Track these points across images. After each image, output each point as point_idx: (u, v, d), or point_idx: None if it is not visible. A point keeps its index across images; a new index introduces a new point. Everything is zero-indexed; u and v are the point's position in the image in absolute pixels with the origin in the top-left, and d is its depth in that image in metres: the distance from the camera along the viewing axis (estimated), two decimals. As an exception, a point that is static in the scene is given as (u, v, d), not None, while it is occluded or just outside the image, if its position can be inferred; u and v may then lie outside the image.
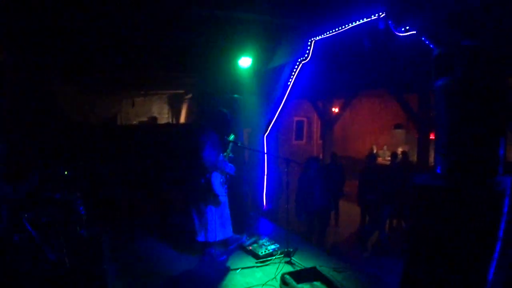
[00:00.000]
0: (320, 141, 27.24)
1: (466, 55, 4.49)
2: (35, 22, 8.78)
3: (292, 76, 10.35)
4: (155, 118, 22.83)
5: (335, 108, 24.45)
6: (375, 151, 22.39)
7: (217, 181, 8.33)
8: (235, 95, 11.25)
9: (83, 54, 11.64)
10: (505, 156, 4.40)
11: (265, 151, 11.67)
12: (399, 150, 17.96)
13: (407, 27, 6.60)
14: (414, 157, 17.45)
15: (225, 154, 8.54)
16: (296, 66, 10.10)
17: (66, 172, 8.92)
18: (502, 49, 5.12)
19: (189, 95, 22.10)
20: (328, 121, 23.22)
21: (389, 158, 17.57)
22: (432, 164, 15.76)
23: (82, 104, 18.80)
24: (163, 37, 10.58)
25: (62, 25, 9.10)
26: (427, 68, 5.62)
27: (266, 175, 11.92)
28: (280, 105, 11.11)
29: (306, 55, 9.63)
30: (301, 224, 11.42)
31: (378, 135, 25.54)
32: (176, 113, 24.05)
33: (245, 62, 11.22)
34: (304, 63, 9.87)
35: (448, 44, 5.15)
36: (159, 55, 12.46)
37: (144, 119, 22.61)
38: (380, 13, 7.14)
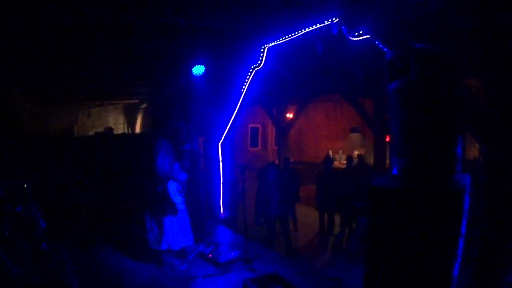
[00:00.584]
0: (275, 147, 27.33)
1: (419, 57, 4.52)
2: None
3: (245, 83, 10.35)
4: (111, 129, 22.70)
5: (289, 114, 24.53)
6: (331, 155, 22.53)
7: (174, 189, 8.26)
8: (189, 104, 11.22)
9: (38, 64, 11.50)
10: (463, 155, 4.43)
11: (221, 159, 11.64)
12: (355, 153, 18.13)
13: (361, 32, 6.64)
14: (370, 160, 17.64)
15: (180, 162, 8.47)
16: (249, 73, 10.10)
17: (25, 185, 8.75)
18: (454, 50, 5.20)
19: (144, 105, 22.04)
20: (283, 127, 23.31)
21: (344, 162, 17.73)
22: (389, 166, 15.96)
23: (38, 115, 18.53)
24: (116, 46, 10.49)
25: (17, 36, 8.97)
26: (381, 71, 5.67)
27: (222, 182, 11.89)
28: (234, 112, 11.09)
29: (259, 62, 9.65)
30: (260, 230, 11.40)
31: (334, 140, 25.74)
32: (131, 123, 23.97)
33: (198, 70, 11.19)
34: (257, 69, 9.88)
35: (401, 47, 5.20)
36: (113, 65, 12.35)
37: (101, 129, 22.47)
38: (334, 19, 7.18)
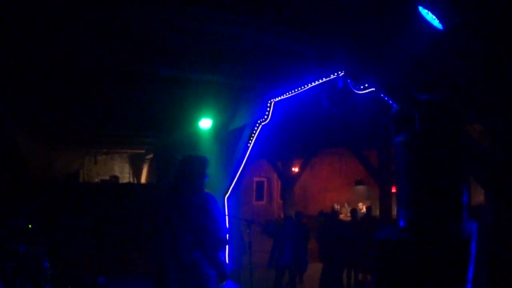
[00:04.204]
0: (280, 201, 27.27)
1: (422, 109, 4.63)
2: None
3: (251, 138, 10.42)
4: (116, 177, 22.77)
5: (294, 167, 24.61)
6: (336, 208, 22.51)
7: None
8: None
9: (46, 106, 11.66)
10: (469, 202, 4.50)
11: (226, 213, 11.65)
12: (361, 205, 18.18)
13: (366, 85, 6.76)
14: (376, 212, 17.64)
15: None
16: (255, 128, 10.19)
17: (30, 226, 8.82)
18: (457, 100, 5.32)
19: (150, 155, 22.17)
20: (288, 181, 23.33)
21: (350, 215, 17.80)
22: (395, 217, 15.97)
23: (45, 158, 18.67)
24: (124, 95, 10.65)
25: (28, 78, 9.15)
26: (385, 123, 5.78)
27: (228, 236, 11.86)
28: (240, 166, 11.13)
29: (265, 117, 9.74)
30: (266, 283, 11.44)
31: (340, 192, 25.75)
32: (137, 173, 24.09)
33: (205, 123, 11.33)
34: (263, 124, 9.98)
35: (405, 100, 5.33)
36: (121, 114, 12.50)
37: (106, 177, 22.54)
38: (339, 72, 7.32)
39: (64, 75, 9.24)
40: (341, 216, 20.98)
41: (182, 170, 5.81)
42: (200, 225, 5.66)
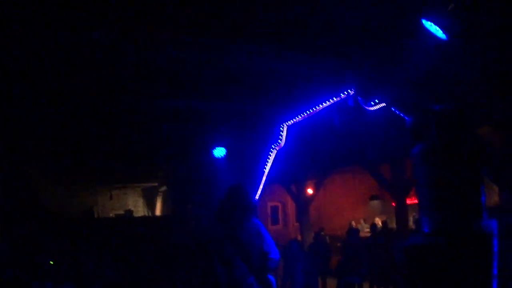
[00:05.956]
0: (296, 224, 27.23)
1: (438, 119, 4.81)
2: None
3: (267, 163, 10.51)
4: (131, 211, 22.84)
5: (309, 189, 24.62)
6: (354, 225, 22.50)
7: None
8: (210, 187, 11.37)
9: (60, 146, 11.76)
10: (486, 202, 4.72)
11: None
12: (377, 220, 18.23)
13: (376, 100, 6.92)
14: (392, 225, 17.65)
15: None
16: (270, 152, 10.27)
17: (51, 262, 8.92)
18: (469, 105, 5.50)
19: (163, 188, 22.23)
20: (303, 203, 23.36)
21: (367, 231, 17.86)
22: (412, 227, 16.04)
23: (59, 195, 18.76)
24: (136, 130, 10.75)
25: (42, 117, 9.30)
26: (395, 136, 5.94)
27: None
28: (257, 193, 11.20)
29: (279, 141, 9.82)
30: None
31: (355, 209, 25.69)
32: (151, 206, 24.10)
33: (219, 152, 11.42)
34: (278, 148, 10.05)
35: (418, 111, 5.51)
36: (134, 149, 12.59)
37: (121, 212, 22.62)
38: (350, 90, 7.47)
39: (75, 115, 9.40)
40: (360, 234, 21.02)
41: (231, 200, 5.90)
42: (255, 251, 5.77)
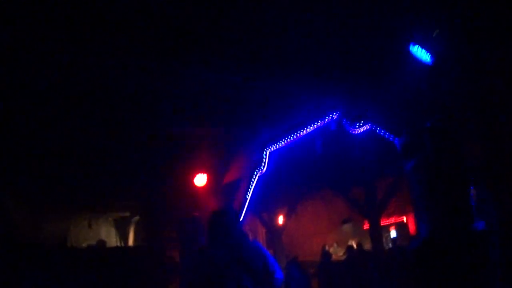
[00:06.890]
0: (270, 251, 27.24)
1: (431, 135, 5.20)
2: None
3: (249, 189, 10.48)
4: (103, 242, 22.51)
5: (280, 216, 24.78)
6: (327, 248, 22.73)
7: None
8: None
9: (31, 174, 11.63)
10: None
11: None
12: (352, 242, 18.54)
13: (361, 123, 7.20)
14: (366, 246, 17.93)
15: None
16: (253, 179, 10.30)
17: None
18: (455, 122, 5.89)
19: (136, 218, 22.11)
20: (275, 231, 23.53)
21: (341, 254, 18.15)
22: (387, 248, 16.41)
23: (29, 224, 18.47)
24: (107, 157, 10.82)
25: (16, 148, 9.32)
26: (369, 159, 6.22)
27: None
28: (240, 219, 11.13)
29: (262, 167, 9.88)
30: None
31: (327, 234, 25.88)
32: (123, 236, 23.84)
33: (200, 179, 11.28)
34: (261, 174, 10.06)
35: (410, 130, 5.88)
36: (104, 178, 12.47)
37: (93, 242, 22.27)
38: (334, 114, 7.67)
39: (44, 143, 9.39)
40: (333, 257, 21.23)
41: (225, 222, 5.72)
42: (261, 271, 5.62)
